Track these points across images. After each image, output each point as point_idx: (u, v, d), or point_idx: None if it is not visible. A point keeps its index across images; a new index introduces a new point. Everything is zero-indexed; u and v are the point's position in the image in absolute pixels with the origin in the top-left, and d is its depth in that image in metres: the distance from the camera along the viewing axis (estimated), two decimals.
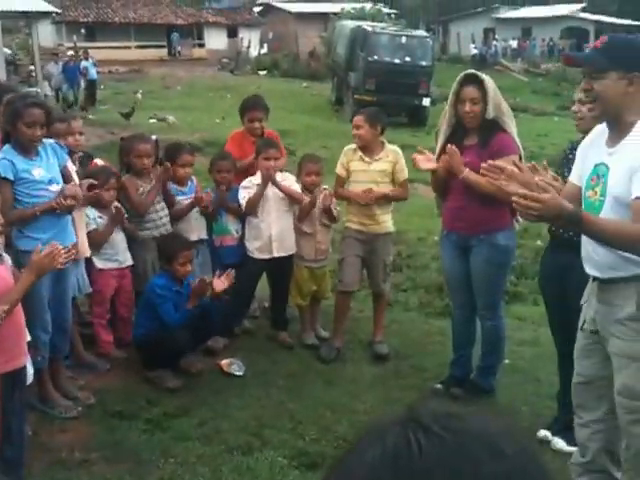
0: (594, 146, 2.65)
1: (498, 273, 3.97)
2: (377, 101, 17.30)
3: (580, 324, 2.81)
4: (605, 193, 2.51)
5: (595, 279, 2.69)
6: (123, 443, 3.50)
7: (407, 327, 5.20)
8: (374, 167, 4.48)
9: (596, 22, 47.44)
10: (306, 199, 4.65)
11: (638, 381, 2.57)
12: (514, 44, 42.49)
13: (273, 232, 4.62)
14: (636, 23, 51.03)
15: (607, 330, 2.65)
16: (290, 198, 4.64)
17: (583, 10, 48.89)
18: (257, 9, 46.29)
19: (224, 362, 4.36)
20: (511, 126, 3.82)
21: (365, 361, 4.63)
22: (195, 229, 4.68)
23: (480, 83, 3.72)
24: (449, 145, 3.82)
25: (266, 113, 5.02)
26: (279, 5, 44.72)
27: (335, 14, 31.02)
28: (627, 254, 2.48)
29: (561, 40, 41.97)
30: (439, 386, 4.12)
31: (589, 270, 2.69)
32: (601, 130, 2.63)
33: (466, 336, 4.15)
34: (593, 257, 2.63)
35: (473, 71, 3.82)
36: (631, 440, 2.64)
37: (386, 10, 34.17)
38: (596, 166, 2.58)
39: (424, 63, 18.56)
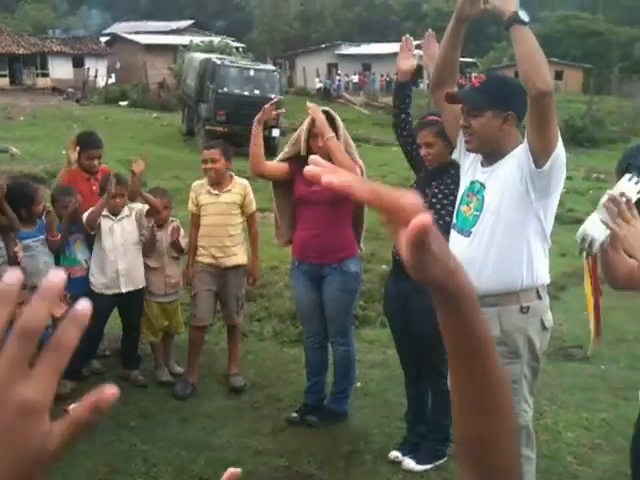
0: (474, 160, 2.80)
1: (349, 299, 4.10)
2: (228, 132, 17.42)
3: None
4: (481, 208, 2.66)
5: None
6: None
7: (262, 357, 5.21)
8: (223, 199, 4.49)
9: None
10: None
11: None
12: (355, 79, 44.38)
13: (120, 267, 4.48)
14: (466, 59, 55.12)
15: None
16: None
17: (417, 47, 52.05)
18: (104, 39, 45.20)
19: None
20: (357, 158, 3.98)
21: (221, 395, 4.58)
22: (43, 273, 4.42)
23: (332, 119, 3.88)
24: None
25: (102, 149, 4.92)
26: (127, 36, 43.99)
27: (184, 46, 30.87)
28: (506, 264, 2.61)
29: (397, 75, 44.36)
30: (294, 415, 4.16)
31: None
32: None
33: (319, 363, 4.23)
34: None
35: (326, 108, 3.97)
36: None
37: (234, 44, 34.46)
38: (471, 183, 2.73)
39: (273, 95, 18.81)
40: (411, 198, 0.62)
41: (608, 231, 2.13)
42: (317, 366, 4.23)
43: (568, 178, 15.23)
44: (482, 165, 2.73)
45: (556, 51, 54.43)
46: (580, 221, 10.26)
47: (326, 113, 3.92)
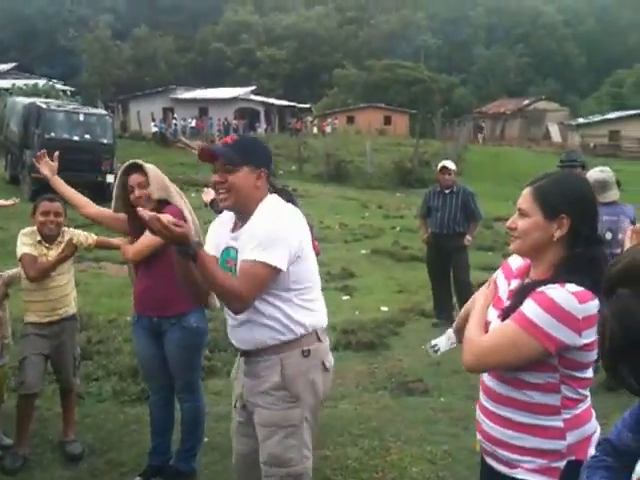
0: (223, 226, 2.83)
1: (192, 356, 3.93)
2: None
3: (233, 403, 2.92)
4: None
5: (242, 353, 2.81)
6: None
7: (101, 419, 4.88)
8: (56, 251, 4.22)
9: (264, 103, 52.14)
10: None
11: (284, 448, 2.68)
12: (193, 123, 44.29)
13: None
14: (301, 105, 57.22)
15: (253, 403, 2.76)
16: None
17: (253, 93, 53.34)
18: None
19: None
20: (181, 202, 3.88)
21: (57, 464, 4.22)
22: None
23: (142, 168, 3.78)
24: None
25: None
26: None
27: (6, 90, 29.23)
28: (270, 323, 2.64)
29: (235, 120, 44.88)
30: (138, 479, 3.92)
31: (235, 343, 2.81)
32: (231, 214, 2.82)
33: (165, 421, 4.04)
34: (237, 333, 2.76)
35: (134, 160, 3.85)
36: None
37: (61, 87, 33.15)
38: (226, 249, 2.74)
39: (105, 140, 18.41)
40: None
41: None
42: (162, 425, 4.03)
43: (401, 217, 16.14)
44: (232, 231, 2.77)
45: (384, 97, 57.91)
46: (415, 258, 10.82)
47: (136, 165, 3.80)
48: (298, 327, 2.68)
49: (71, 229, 4.41)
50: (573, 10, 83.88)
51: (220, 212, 2.96)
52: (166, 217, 2.30)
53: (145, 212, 2.32)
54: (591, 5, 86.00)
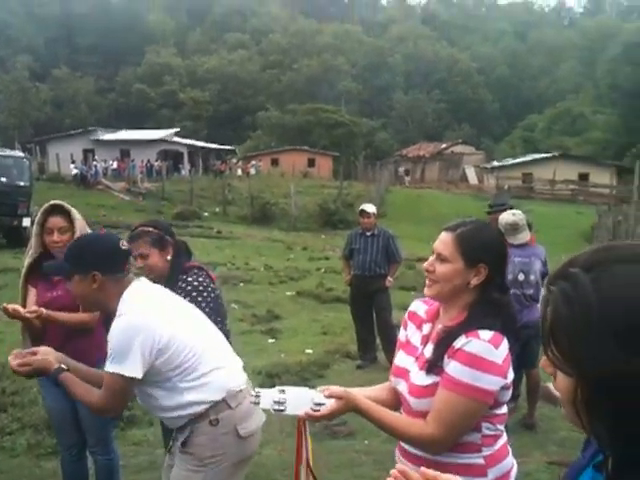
0: None
1: None
2: None
3: (168, 447, 2.94)
4: None
5: None
6: None
7: (16, 475, 4.65)
8: None
9: (188, 145, 51.96)
10: None
11: None
12: (114, 165, 43.58)
13: None
14: (225, 147, 57.36)
15: (173, 457, 2.80)
16: None
17: (177, 134, 53.08)
18: None
19: None
20: None
21: None
22: None
23: (67, 213, 3.65)
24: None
25: None
26: None
27: None
28: (167, 414, 2.68)
29: (158, 161, 44.43)
30: None
31: None
32: None
33: (79, 477, 3.89)
34: None
35: (58, 202, 3.70)
36: None
37: None
38: None
39: (22, 183, 17.97)
40: None
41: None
42: None
43: (325, 258, 16.19)
44: None
45: (308, 140, 58.71)
46: (339, 299, 10.85)
47: (60, 207, 3.66)
48: (193, 407, 2.61)
49: None
50: (486, 57, 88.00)
51: None
52: (20, 357, 2.60)
53: (12, 360, 2.66)
54: (503, 52, 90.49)
